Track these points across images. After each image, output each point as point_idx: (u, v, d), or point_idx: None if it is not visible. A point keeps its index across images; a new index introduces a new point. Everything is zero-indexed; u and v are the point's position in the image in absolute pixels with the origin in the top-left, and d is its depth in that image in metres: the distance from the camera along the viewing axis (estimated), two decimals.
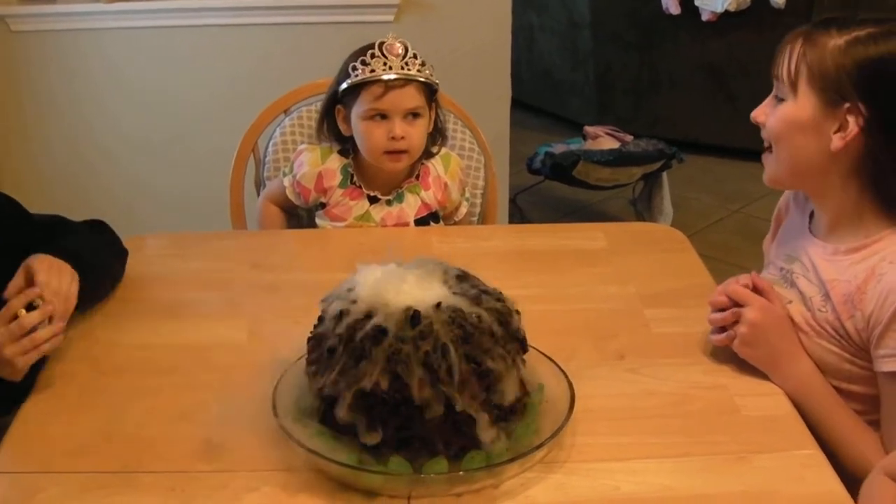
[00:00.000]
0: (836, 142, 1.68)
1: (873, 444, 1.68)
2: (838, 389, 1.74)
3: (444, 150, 2.51)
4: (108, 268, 2.01)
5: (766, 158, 1.81)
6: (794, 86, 1.71)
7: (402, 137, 2.31)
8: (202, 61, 3.68)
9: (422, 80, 2.32)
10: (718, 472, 1.53)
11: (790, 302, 1.80)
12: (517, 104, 4.29)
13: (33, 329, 1.66)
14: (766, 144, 1.80)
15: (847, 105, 1.66)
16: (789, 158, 1.76)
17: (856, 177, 1.72)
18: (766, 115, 1.77)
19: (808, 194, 1.86)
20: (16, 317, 1.66)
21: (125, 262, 2.09)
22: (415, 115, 2.34)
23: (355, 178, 2.43)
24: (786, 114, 1.73)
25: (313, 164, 2.43)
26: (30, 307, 1.68)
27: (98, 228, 2.07)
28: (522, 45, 5.88)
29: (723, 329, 1.80)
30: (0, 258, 1.79)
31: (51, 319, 1.69)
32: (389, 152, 2.33)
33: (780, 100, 1.74)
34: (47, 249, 1.81)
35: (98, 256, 1.97)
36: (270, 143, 2.66)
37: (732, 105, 5.35)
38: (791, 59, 1.71)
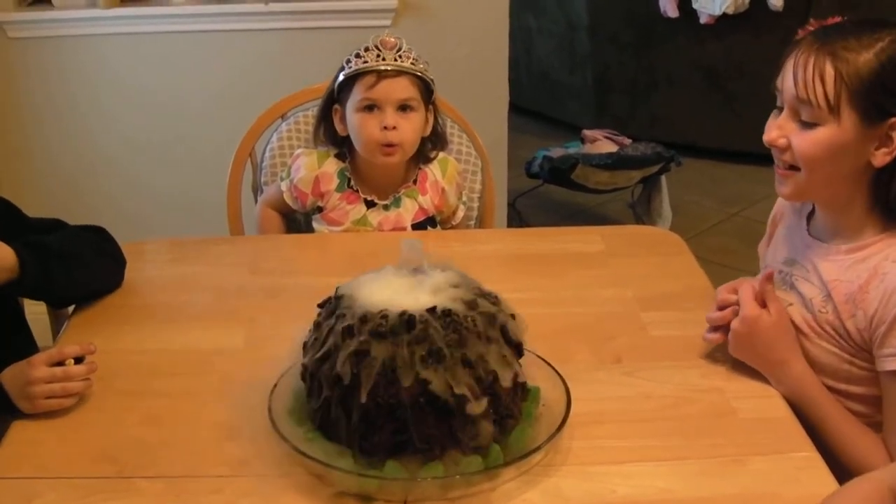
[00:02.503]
0: (882, 158, 1.67)
1: (873, 445, 1.69)
2: (839, 391, 1.74)
3: (441, 155, 2.51)
4: (84, 259, 1.99)
5: (787, 177, 1.76)
6: (834, 110, 1.65)
7: (395, 128, 2.32)
8: (200, 66, 3.68)
9: (414, 72, 2.34)
10: (715, 475, 1.53)
11: (790, 304, 1.79)
12: (516, 109, 4.28)
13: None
14: (784, 165, 1.75)
15: (892, 120, 1.64)
16: (825, 180, 1.72)
17: (871, 185, 1.72)
18: (786, 137, 1.72)
19: (819, 203, 1.84)
20: (62, 363, 1.68)
21: (119, 265, 2.09)
22: (407, 107, 2.35)
23: (352, 182, 2.43)
24: (826, 139, 1.67)
25: (310, 168, 2.43)
26: (77, 360, 1.70)
27: (91, 230, 2.07)
28: (520, 48, 5.88)
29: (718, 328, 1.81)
30: None
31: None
32: (382, 145, 2.34)
33: (808, 123, 1.69)
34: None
35: (72, 247, 1.97)
36: (267, 148, 2.67)
37: (731, 108, 5.35)
38: (825, 82, 1.65)
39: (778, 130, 1.73)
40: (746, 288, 1.78)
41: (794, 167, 1.74)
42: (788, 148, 1.72)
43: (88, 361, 1.70)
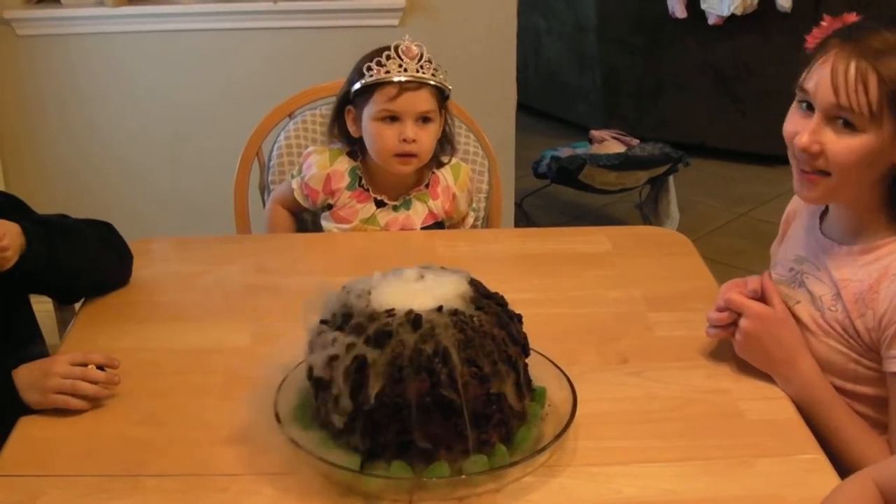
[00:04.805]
0: None
1: (878, 448, 1.68)
2: (845, 390, 1.74)
3: (454, 160, 2.51)
4: (87, 240, 1.99)
5: (815, 182, 1.72)
6: (877, 116, 1.62)
7: (414, 140, 2.31)
8: (208, 65, 3.69)
9: (436, 84, 2.33)
10: (721, 477, 1.53)
11: (798, 302, 1.79)
12: (524, 109, 4.29)
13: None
14: (810, 168, 1.71)
15: None
16: (855, 184, 1.70)
17: (891, 186, 1.71)
18: (820, 142, 1.67)
19: (840, 205, 1.81)
20: (85, 365, 1.69)
21: (124, 258, 2.09)
22: (426, 119, 2.34)
23: (363, 181, 2.43)
24: (864, 146, 1.64)
25: (322, 166, 2.43)
26: (100, 368, 1.71)
27: (97, 223, 2.07)
28: (529, 49, 5.88)
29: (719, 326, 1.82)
30: None
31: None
32: (399, 155, 2.33)
33: (847, 130, 1.65)
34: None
35: (75, 227, 1.98)
36: (275, 147, 2.67)
37: (739, 108, 5.35)
38: (868, 90, 1.61)
39: (811, 136, 1.68)
40: (734, 296, 1.78)
41: (822, 171, 1.70)
42: (821, 154, 1.68)
43: (111, 374, 1.70)
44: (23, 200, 2.01)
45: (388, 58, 2.30)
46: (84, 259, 1.97)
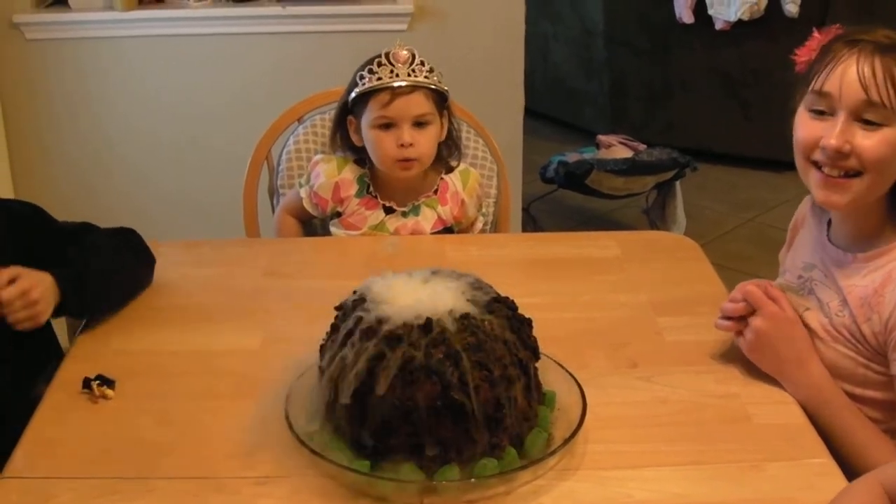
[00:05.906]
0: None
1: (888, 451, 1.68)
2: (854, 395, 1.74)
3: (463, 166, 2.51)
4: (122, 269, 2.01)
5: (846, 185, 1.71)
6: None
7: (411, 144, 2.31)
8: (217, 69, 3.70)
9: (429, 86, 2.33)
10: (730, 481, 1.53)
11: (808, 309, 1.80)
12: (531, 113, 4.29)
13: None
14: (840, 173, 1.70)
15: None
16: (885, 182, 1.71)
17: (893, 189, 1.72)
18: (850, 142, 1.67)
19: (859, 209, 1.78)
20: None
21: (152, 268, 2.10)
22: (423, 122, 2.34)
23: (371, 189, 2.43)
24: (894, 138, 1.66)
25: (330, 174, 2.43)
26: None
27: (122, 234, 2.08)
28: (536, 54, 5.89)
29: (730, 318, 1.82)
30: (24, 264, 1.80)
31: None
32: (399, 160, 2.33)
33: (874, 126, 1.66)
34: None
35: (109, 260, 1.98)
36: (284, 152, 2.67)
37: (746, 114, 5.35)
38: (889, 83, 1.64)
39: (841, 136, 1.67)
40: (754, 291, 1.78)
41: (851, 174, 1.70)
42: (851, 154, 1.68)
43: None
44: (44, 209, 2.01)
45: (380, 65, 2.30)
46: (117, 296, 2.01)
